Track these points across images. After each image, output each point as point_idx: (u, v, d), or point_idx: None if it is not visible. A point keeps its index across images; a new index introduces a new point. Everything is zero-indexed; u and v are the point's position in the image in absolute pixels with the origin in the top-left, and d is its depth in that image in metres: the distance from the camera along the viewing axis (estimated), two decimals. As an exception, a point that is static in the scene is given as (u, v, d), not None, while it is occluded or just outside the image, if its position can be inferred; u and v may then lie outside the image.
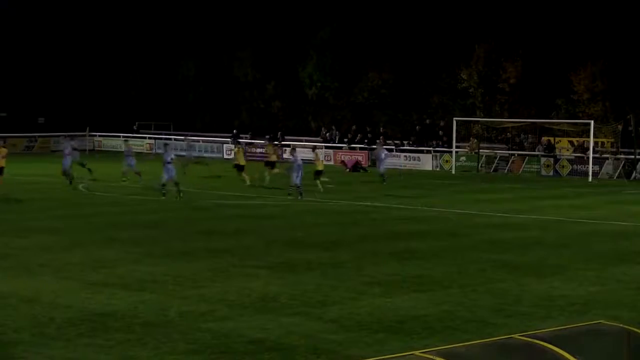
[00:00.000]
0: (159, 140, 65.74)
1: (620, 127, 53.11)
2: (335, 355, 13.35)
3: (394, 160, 56.43)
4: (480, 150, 55.77)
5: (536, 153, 54.10)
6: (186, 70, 77.78)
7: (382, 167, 45.41)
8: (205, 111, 77.52)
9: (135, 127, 72.89)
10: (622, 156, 51.18)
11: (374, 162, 50.26)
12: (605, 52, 57.51)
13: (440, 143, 57.71)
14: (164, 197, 34.11)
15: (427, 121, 61.23)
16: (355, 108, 68.31)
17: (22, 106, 75.27)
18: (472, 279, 19.12)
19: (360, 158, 57.05)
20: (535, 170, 52.34)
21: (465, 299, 17.20)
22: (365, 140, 59.63)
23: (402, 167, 55.63)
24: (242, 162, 43.08)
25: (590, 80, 58.32)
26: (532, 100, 61.26)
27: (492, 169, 54.23)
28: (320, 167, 40.15)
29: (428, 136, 59.04)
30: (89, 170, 41.37)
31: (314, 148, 45.32)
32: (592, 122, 50.68)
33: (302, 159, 37.77)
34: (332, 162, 58.85)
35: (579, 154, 52.64)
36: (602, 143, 54.07)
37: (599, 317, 14.28)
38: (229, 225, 27.54)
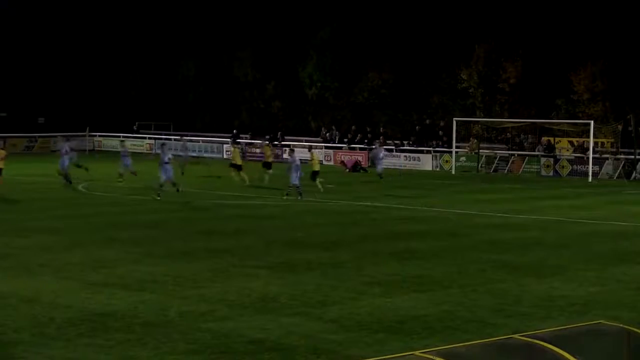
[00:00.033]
0: (159, 141, 65.73)
1: (620, 127, 53.09)
2: (335, 355, 13.35)
3: (394, 160, 56.51)
4: (480, 151, 55.76)
5: (536, 153, 54.10)
6: (186, 70, 77.77)
7: (380, 167, 45.66)
8: (205, 111, 77.51)
9: (135, 127, 72.89)
10: (622, 156, 51.17)
11: (373, 161, 50.26)
12: (605, 52, 57.51)
13: (440, 143, 57.70)
14: (159, 198, 34.05)
15: (427, 121, 61.23)
16: (355, 108, 68.31)
17: (22, 106, 75.25)
18: (472, 279, 19.12)
19: (360, 158, 57.04)
20: (535, 170, 52.34)
21: (465, 299, 17.20)
22: (365, 141, 59.63)
23: (402, 167, 55.66)
24: (239, 161, 43.22)
25: (590, 80, 58.31)
26: (532, 100, 61.25)
27: (492, 169, 54.22)
28: (316, 168, 40.12)
29: (428, 136, 59.03)
30: (86, 169, 41.35)
31: (309, 148, 45.39)
32: (592, 122, 50.68)
33: (300, 160, 37.74)
34: (332, 162, 58.89)
35: (579, 154, 52.63)
36: (602, 143, 54.05)
37: (599, 317, 14.28)
38: (229, 225, 27.54)
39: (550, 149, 54.24)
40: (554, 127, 55.37)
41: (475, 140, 57.27)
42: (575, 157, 52.63)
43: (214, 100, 76.52)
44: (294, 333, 14.46)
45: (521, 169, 53.06)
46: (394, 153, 57.47)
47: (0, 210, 30.84)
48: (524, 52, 61.27)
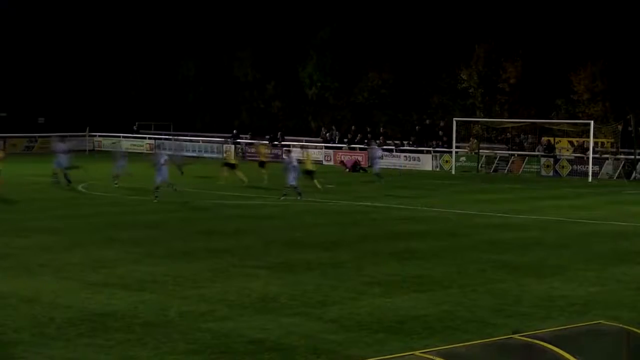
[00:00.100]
0: (159, 141, 65.72)
1: (620, 127, 53.08)
2: (335, 355, 13.35)
3: (394, 160, 56.50)
4: (480, 151, 55.75)
5: (536, 153, 54.09)
6: (186, 70, 77.77)
7: (377, 167, 45.72)
8: (205, 111, 77.51)
9: (135, 128, 72.88)
10: (622, 156, 51.16)
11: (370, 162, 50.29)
12: (605, 52, 57.50)
13: (440, 143, 57.68)
14: (156, 201, 34.00)
15: (427, 121, 61.22)
16: (355, 108, 68.31)
17: (22, 106, 75.25)
18: (472, 279, 19.12)
19: (359, 158, 57.04)
20: (535, 170, 52.33)
21: (465, 299, 17.20)
22: (365, 141, 59.64)
23: (402, 168, 55.65)
24: (232, 160, 43.36)
25: (590, 80, 58.31)
26: (532, 100, 61.24)
27: (492, 169, 54.21)
28: (309, 167, 40.07)
29: (428, 136, 59.02)
30: (79, 168, 41.37)
31: (302, 147, 45.46)
32: (592, 122, 50.66)
33: (297, 160, 37.71)
34: (332, 162, 58.89)
35: (578, 154, 52.62)
36: (602, 143, 54.03)
37: (599, 317, 14.27)
38: (229, 225, 27.55)
39: (550, 149, 54.23)
40: (554, 127, 55.36)
41: (475, 141, 57.26)
42: (575, 157, 52.62)
43: (214, 100, 76.52)
44: (294, 333, 14.46)
45: (521, 169, 53.05)
46: (394, 153, 57.47)
47: (0, 210, 30.85)
48: (524, 52, 61.27)
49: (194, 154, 63.52)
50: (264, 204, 34.14)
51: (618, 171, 49.93)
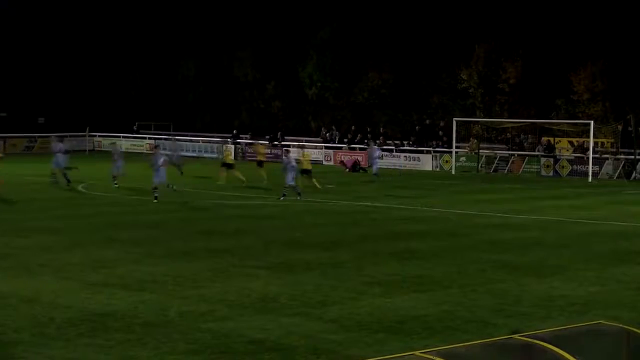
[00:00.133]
0: (159, 141, 65.72)
1: (620, 127, 53.07)
2: (335, 355, 13.35)
3: (394, 160, 56.51)
4: (480, 151, 55.75)
5: (536, 153, 54.09)
6: (186, 70, 77.76)
7: (376, 167, 45.79)
8: (205, 111, 77.51)
9: (135, 128, 72.87)
10: (622, 156, 51.16)
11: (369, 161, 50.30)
12: (605, 52, 57.50)
13: (440, 143, 57.68)
14: (155, 201, 33.98)
15: (427, 121, 61.21)
16: (355, 108, 68.30)
17: (22, 106, 75.23)
18: (472, 279, 19.12)
19: (359, 158, 57.04)
20: (535, 170, 52.32)
21: (465, 299, 17.20)
22: (365, 141, 59.63)
23: (402, 168, 55.65)
24: (230, 160, 43.47)
25: (590, 80, 58.30)
26: (532, 100, 61.24)
27: (492, 169, 54.21)
28: (306, 167, 40.05)
29: (428, 136, 59.01)
30: (76, 168, 41.36)
31: (300, 147, 45.56)
32: (592, 122, 50.66)
33: (296, 160, 37.71)
34: (332, 162, 58.88)
35: (578, 154, 52.62)
36: (602, 143, 54.03)
37: (599, 317, 14.28)
38: (229, 225, 27.55)
39: (550, 149, 54.23)
40: (554, 127, 55.36)
41: (475, 141, 57.26)
42: (575, 157, 52.61)
43: (214, 100, 76.51)
44: (294, 333, 14.46)
45: (521, 169, 53.05)
46: (394, 153, 57.47)
47: (0, 210, 30.84)
48: (524, 52, 61.27)
49: (194, 154, 63.53)
50: (264, 204, 34.14)
51: (618, 171, 49.93)
